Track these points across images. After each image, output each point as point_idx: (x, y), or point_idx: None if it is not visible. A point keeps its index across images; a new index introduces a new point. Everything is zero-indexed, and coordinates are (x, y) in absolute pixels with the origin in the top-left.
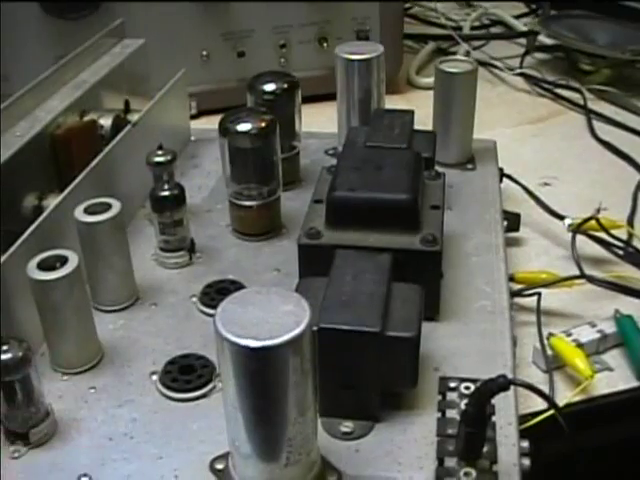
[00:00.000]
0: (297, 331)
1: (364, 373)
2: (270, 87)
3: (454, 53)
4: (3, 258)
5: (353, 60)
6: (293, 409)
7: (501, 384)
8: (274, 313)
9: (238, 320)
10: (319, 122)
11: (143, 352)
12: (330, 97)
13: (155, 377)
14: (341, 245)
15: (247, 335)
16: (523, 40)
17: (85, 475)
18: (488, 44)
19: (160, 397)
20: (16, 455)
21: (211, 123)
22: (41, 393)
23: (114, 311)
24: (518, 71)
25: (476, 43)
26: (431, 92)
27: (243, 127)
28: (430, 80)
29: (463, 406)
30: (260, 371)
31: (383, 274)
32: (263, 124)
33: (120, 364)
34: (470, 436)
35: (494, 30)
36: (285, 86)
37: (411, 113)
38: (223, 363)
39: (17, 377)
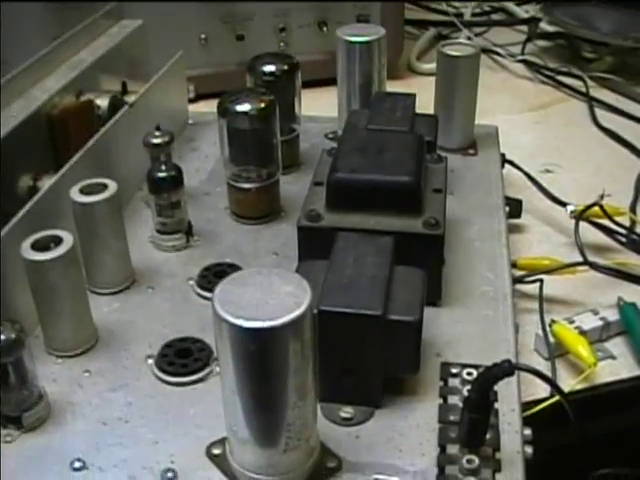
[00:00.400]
0: (298, 312)
1: (365, 357)
2: (270, 68)
3: (455, 39)
4: None
5: (354, 42)
6: (293, 393)
7: (505, 369)
8: (274, 294)
9: (237, 301)
10: (318, 107)
11: (139, 335)
12: (329, 82)
13: (151, 361)
14: (342, 228)
15: (246, 316)
16: (524, 27)
17: (79, 460)
18: (489, 31)
19: (156, 381)
20: (8, 439)
21: (209, 107)
22: (35, 376)
23: (110, 294)
24: (520, 58)
25: (477, 30)
26: (432, 78)
27: (242, 107)
28: (431, 66)
29: (466, 392)
30: (259, 353)
31: (385, 257)
32: (263, 105)
33: (115, 347)
34: (473, 422)
35: (495, 17)
36: (285, 67)
37: (413, 96)
38: (221, 345)
39: (10, 359)
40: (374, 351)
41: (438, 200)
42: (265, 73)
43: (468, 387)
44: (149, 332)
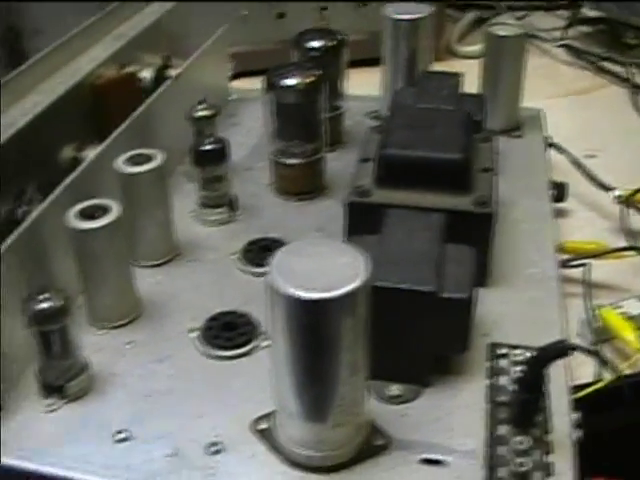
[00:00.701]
0: (356, 284)
1: (415, 335)
2: (316, 44)
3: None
4: (41, 207)
5: (401, 20)
6: (345, 368)
7: (560, 349)
8: (330, 266)
9: (292, 271)
10: (357, 86)
11: (182, 308)
12: (369, 62)
13: (195, 334)
14: (390, 204)
15: (303, 287)
16: (565, 12)
17: (123, 431)
18: (530, 15)
19: (200, 354)
20: (51, 408)
21: (247, 84)
22: (78, 346)
23: (153, 266)
24: (561, 43)
25: (517, 14)
26: (472, 61)
27: (290, 81)
28: (471, 48)
29: (514, 373)
30: (315, 325)
31: (435, 234)
32: (310, 79)
33: (158, 319)
34: (525, 403)
35: (535, 1)
36: (332, 43)
37: (459, 76)
38: (275, 316)
39: (55, 327)
40: (424, 328)
41: (487, 179)
42: (311, 49)
43: (517, 368)
44: (192, 305)
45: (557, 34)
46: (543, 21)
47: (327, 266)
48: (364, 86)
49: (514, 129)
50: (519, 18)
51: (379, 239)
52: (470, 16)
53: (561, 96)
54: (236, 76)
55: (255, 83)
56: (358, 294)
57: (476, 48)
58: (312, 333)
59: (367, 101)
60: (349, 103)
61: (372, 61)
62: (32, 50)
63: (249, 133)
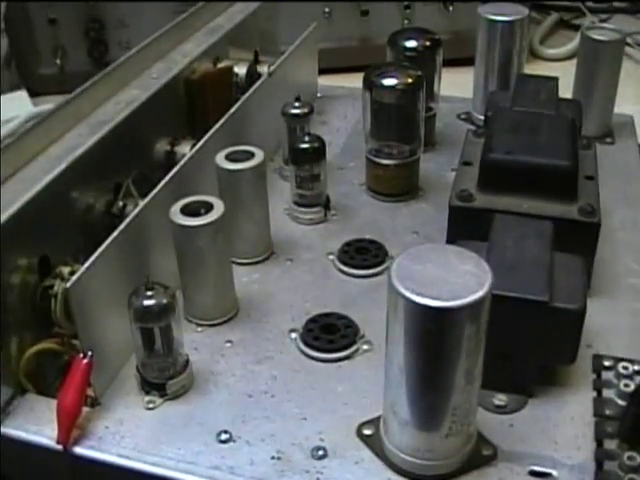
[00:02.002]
0: (481, 293)
1: (524, 344)
2: (412, 43)
3: (578, 26)
4: (143, 202)
5: (497, 21)
6: (463, 376)
7: None
8: (454, 272)
9: (416, 277)
10: (443, 87)
11: (280, 308)
12: (453, 62)
13: (295, 334)
14: (494, 209)
15: (427, 294)
16: None
17: (225, 432)
18: (612, 18)
19: (301, 355)
20: (151, 406)
21: (330, 81)
22: (181, 344)
23: (249, 264)
24: None
25: (600, 17)
26: (555, 63)
27: (389, 81)
28: (554, 51)
29: (622, 386)
30: (437, 333)
31: (545, 242)
32: (410, 80)
33: (257, 319)
34: (638, 418)
35: (617, 4)
36: (427, 43)
37: (556, 80)
38: (395, 322)
39: (160, 324)
40: (534, 338)
41: (591, 187)
42: (407, 48)
43: (625, 381)
44: (291, 305)
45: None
46: (626, 25)
47: (451, 273)
48: (450, 87)
49: (606, 135)
50: (602, 20)
51: (489, 245)
52: (552, 18)
53: None
54: (320, 73)
55: (338, 80)
56: (483, 303)
57: (559, 50)
58: (435, 341)
59: (457, 102)
60: (438, 104)
61: (456, 61)
62: (115, 42)
63: (338, 132)
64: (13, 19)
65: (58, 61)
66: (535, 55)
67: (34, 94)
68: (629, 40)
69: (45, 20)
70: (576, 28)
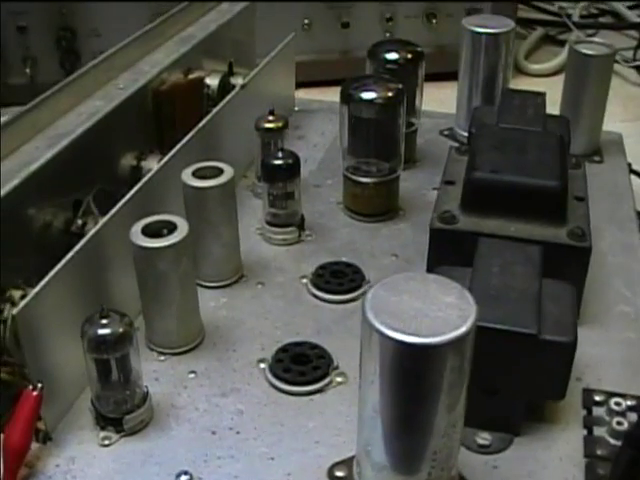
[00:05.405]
0: (464, 328)
1: (510, 378)
2: (393, 55)
3: (563, 41)
4: (102, 221)
5: (481, 34)
6: (444, 418)
7: None
8: (435, 305)
9: (392, 310)
10: (424, 102)
11: (249, 336)
12: (435, 77)
13: (264, 365)
14: (479, 232)
15: (404, 329)
16: (634, 33)
17: (186, 472)
18: (597, 34)
19: (270, 388)
20: (106, 442)
21: (309, 95)
22: (139, 375)
23: (217, 287)
24: (634, 64)
25: (585, 33)
26: (539, 79)
27: (368, 95)
28: (539, 66)
29: (616, 424)
30: (416, 371)
31: (534, 268)
32: (390, 93)
33: (224, 347)
34: (634, 461)
35: (603, 20)
36: (409, 56)
37: (543, 95)
38: (369, 358)
39: (116, 355)
40: (522, 372)
41: (581, 209)
42: (388, 60)
43: (617, 419)
44: (260, 332)
45: (627, 54)
46: (611, 40)
47: (431, 305)
48: (431, 102)
49: (594, 154)
50: (588, 36)
51: (473, 271)
52: (537, 33)
53: (635, 119)
54: (297, 86)
55: (317, 94)
56: (466, 339)
57: (545, 66)
58: (413, 380)
59: (439, 117)
60: (420, 120)
61: (439, 76)
62: (87, 52)
63: (316, 147)
64: None
65: (28, 71)
66: (519, 70)
67: (2, 105)
68: (616, 57)
69: (14, 28)
70: (561, 43)
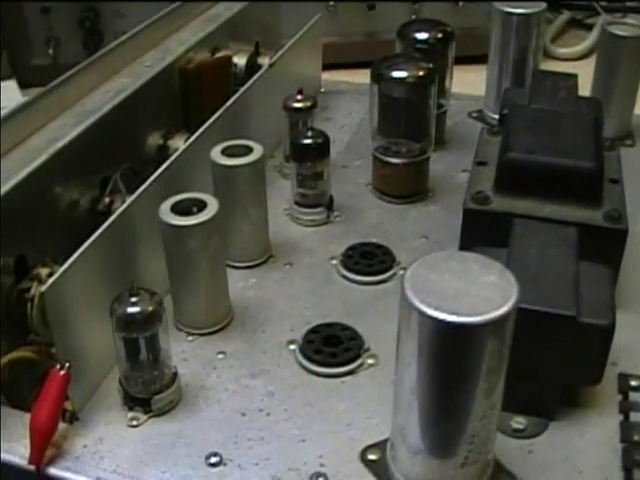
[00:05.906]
0: (506, 308)
1: (547, 362)
2: (423, 35)
3: (590, 25)
4: (130, 199)
5: (512, 14)
6: (482, 400)
7: None
8: (475, 284)
9: (432, 289)
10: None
11: (278, 317)
12: (460, 61)
13: (294, 346)
14: (512, 213)
15: (445, 308)
16: None
17: (216, 454)
18: (625, 18)
19: (300, 370)
20: (134, 423)
21: (334, 77)
22: (168, 355)
23: (245, 267)
24: None
25: (614, 16)
26: (566, 63)
27: (399, 74)
28: (566, 50)
29: None
30: (456, 352)
31: (570, 250)
32: (422, 72)
33: (252, 328)
34: None
35: (630, 4)
36: (440, 35)
37: (575, 77)
38: (407, 338)
39: (145, 334)
40: (558, 355)
41: (617, 191)
42: (417, 40)
43: None
44: (289, 313)
45: None
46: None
47: (472, 285)
48: (459, 85)
49: (626, 137)
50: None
51: (509, 252)
52: (564, 17)
53: None
54: (324, 68)
55: (343, 76)
56: (508, 319)
57: (572, 50)
58: (452, 361)
59: (467, 100)
60: (448, 102)
61: (465, 59)
62: (110, 33)
63: (342, 129)
64: (4, 7)
65: (51, 52)
66: (546, 54)
67: (26, 86)
68: None
69: (38, 9)
70: (588, 27)
